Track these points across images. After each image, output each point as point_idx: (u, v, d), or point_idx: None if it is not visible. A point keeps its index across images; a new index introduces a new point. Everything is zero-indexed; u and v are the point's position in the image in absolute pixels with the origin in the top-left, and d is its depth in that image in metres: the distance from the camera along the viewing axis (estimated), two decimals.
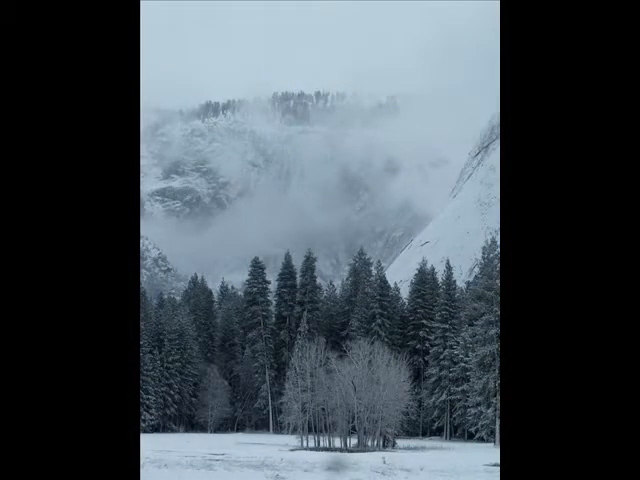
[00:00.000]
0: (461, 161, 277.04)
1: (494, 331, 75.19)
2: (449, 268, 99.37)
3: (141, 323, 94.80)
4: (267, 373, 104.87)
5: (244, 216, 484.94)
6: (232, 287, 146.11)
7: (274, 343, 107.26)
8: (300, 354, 74.19)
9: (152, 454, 45.84)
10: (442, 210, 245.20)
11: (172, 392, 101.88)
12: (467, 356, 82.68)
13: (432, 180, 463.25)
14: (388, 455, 52.24)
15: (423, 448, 68.22)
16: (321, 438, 70.08)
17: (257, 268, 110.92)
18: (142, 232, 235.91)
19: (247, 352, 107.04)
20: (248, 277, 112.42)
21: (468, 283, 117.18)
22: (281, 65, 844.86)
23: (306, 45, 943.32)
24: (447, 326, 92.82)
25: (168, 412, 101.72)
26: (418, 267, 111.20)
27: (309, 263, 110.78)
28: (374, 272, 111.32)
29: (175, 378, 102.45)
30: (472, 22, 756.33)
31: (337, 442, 66.55)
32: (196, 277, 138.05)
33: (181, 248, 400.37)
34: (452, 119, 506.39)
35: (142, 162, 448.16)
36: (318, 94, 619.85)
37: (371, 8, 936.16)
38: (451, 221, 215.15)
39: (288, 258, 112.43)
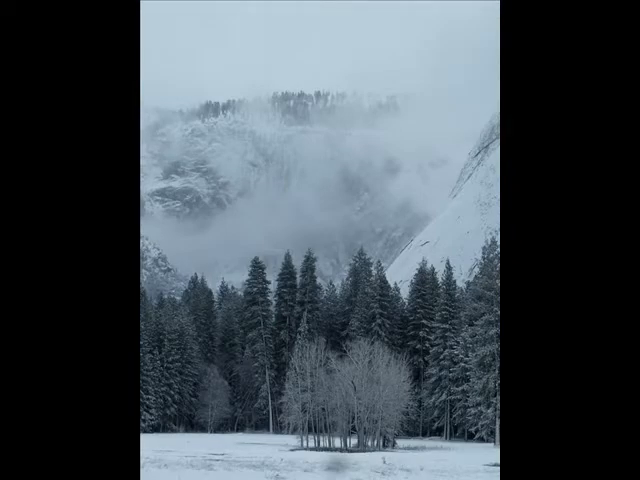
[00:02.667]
0: (461, 161, 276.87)
1: (494, 331, 75.22)
2: (449, 268, 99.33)
3: (141, 323, 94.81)
4: (267, 373, 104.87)
5: (244, 216, 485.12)
6: (232, 287, 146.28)
7: (274, 343, 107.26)
8: (300, 354, 74.17)
9: (152, 454, 45.89)
10: (442, 210, 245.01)
11: (172, 392, 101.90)
12: (467, 356, 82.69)
13: (432, 180, 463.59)
14: (388, 455, 52.28)
15: (423, 448, 68.26)
16: (321, 438, 70.08)
17: (257, 268, 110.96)
18: (142, 232, 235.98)
19: (247, 352, 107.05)
20: (248, 277, 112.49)
21: (468, 283, 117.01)
22: (281, 65, 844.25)
23: (306, 45, 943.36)
24: (447, 326, 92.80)
25: (168, 412, 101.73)
26: (418, 267, 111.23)
27: (309, 263, 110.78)
28: (374, 272, 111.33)
29: (175, 378, 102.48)
30: (472, 22, 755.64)
31: (337, 442, 66.55)
32: (196, 277, 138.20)
33: (181, 248, 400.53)
34: (452, 119, 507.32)
35: (142, 162, 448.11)
36: (318, 94, 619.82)
37: (371, 8, 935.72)
38: (451, 221, 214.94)
39: (288, 258, 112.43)
